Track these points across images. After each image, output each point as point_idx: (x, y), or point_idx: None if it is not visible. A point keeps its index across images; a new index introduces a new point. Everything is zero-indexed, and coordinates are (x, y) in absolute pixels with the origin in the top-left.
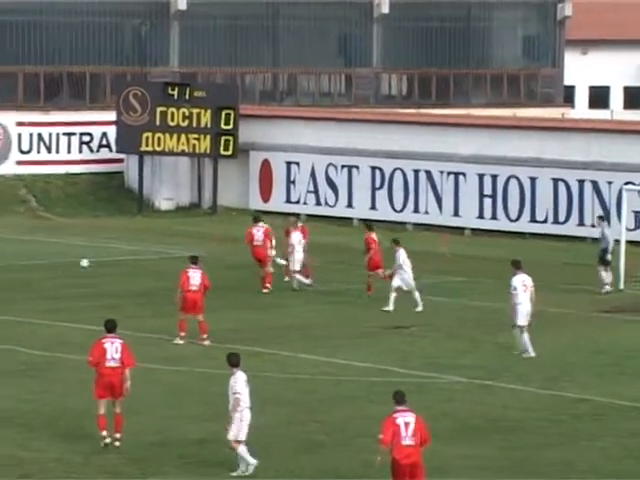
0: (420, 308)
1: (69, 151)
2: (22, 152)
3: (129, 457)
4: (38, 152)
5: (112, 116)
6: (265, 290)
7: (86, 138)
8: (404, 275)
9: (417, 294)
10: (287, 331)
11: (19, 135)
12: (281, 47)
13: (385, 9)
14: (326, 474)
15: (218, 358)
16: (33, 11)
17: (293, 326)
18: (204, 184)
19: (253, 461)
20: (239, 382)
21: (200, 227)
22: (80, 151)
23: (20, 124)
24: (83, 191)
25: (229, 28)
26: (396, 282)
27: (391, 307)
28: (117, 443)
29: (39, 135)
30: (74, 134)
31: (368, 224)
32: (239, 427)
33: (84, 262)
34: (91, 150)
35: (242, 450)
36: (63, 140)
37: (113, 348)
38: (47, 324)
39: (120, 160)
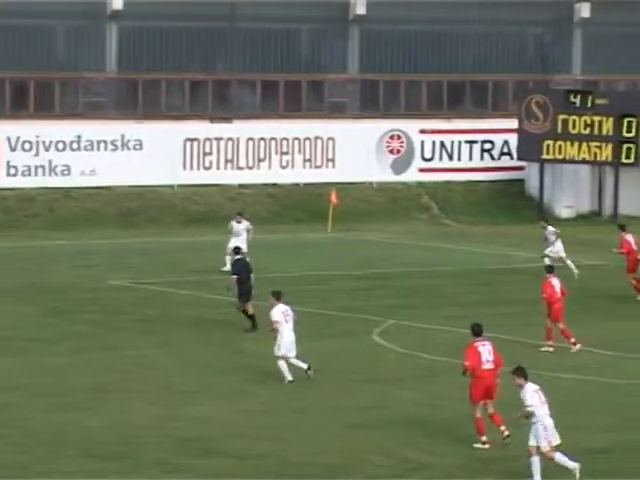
0: None
1: (470, 158)
2: (424, 160)
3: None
4: (440, 160)
5: (513, 124)
6: None
7: (487, 146)
8: None
9: None
10: None
11: (422, 143)
12: None
13: None
14: None
15: (619, 367)
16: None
17: None
18: (605, 192)
19: (573, 465)
20: (528, 394)
21: (600, 235)
22: (481, 159)
23: (422, 132)
24: (483, 198)
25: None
26: None
27: None
28: (507, 433)
29: (441, 143)
30: (476, 142)
31: None
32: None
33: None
34: (492, 158)
35: (559, 457)
36: (465, 148)
37: (486, 351)
38: (447, 330)
39: (521, 168)
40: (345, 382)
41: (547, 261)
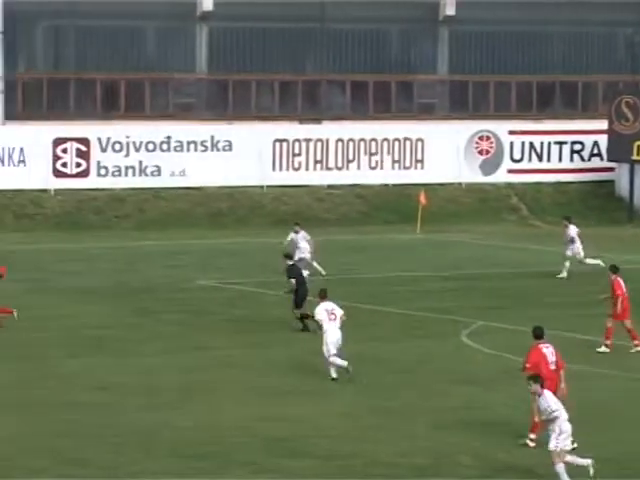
0: None
1: (560, 160)
2: (514, 161)
3: None
4: (529, 161)
5: (603, 125)
6: None
7: (577, 147)
8: None
9: None
10: None
11: (511, 144)
12: None
13: None
14: None
15: None
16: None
17: None
18: None
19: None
20: (550, 400)
21: None
22: (571, 160)
23: (512, 133)
24: (573, 200)
25: None
26: None
27: None
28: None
29: (530, 144)
30: (565, 143)
31: None
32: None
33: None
34: (582, 159)
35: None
36: (554, 149)
37: (549, 353)
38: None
39: (611, 169)
40: (434, 383)
41: (589, 261)
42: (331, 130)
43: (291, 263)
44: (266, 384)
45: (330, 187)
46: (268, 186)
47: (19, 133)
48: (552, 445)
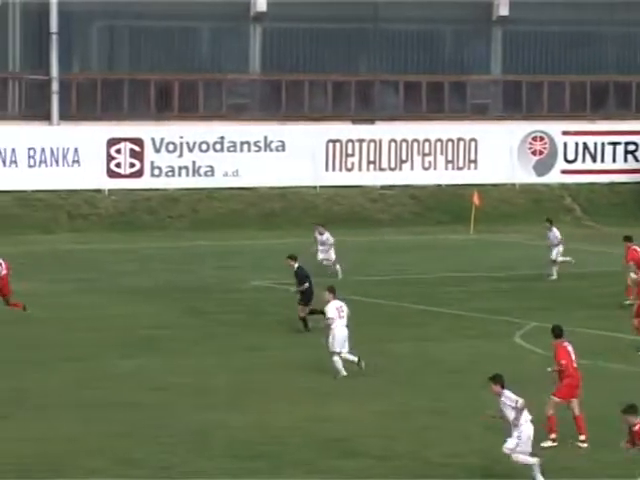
0: None
1: (614, 160)
2: (567, 161)
3: None
4: (583, 161)
5: None
6: None
7: (631, 147)
8: None
9: None
10: None
11: (564, 144)
12: None
13: None
14: None
15: None
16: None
17: None
18: None
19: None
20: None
21: None
22: (625, 160)
23: (565, 133)
24: (627, 200)
25: None
26: None
27: None
28: (584, 445)
29: (584, 144)
30: (619, 143)
31: None
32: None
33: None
34: (636, 159)
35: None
36: (608, 149)
37: (572, 350)
38: (587, 332)
39: None
40: (485, 384)
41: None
42: (384, 130)
43: (297, 266)
44: (319, 384)
45: (383, 188)
46: (321, 187)
47: (73, 133)
48: (510, 446)
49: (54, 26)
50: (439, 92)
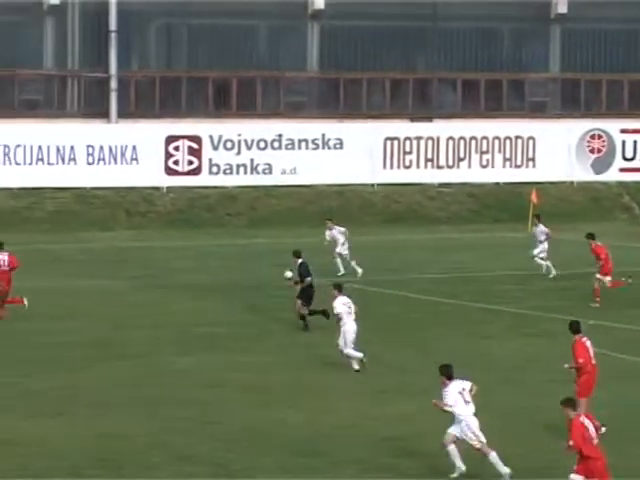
0: None
1: None
2: (626, 159)
3: None
4: None
5: None
6: None
7: None
8: None
9: None
10: None
11: (623, 142)
12: None
13: None
14: None
15: None
16: None
17: None
18: None
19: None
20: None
21: None
22: None
23: (624, 131)
24: None
25: None
26: None
27: None
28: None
29: None
30: None
31: None
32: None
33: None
34: None
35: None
36: None
37: (590, 346)
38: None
39: None
40: (545, 383)
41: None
42: (442, 128)
43: (301, 261)
44: (375, 383)
45: (441, 185)
46: (379, 184)
47: (132, 131)
48: (452, 432)
49: (113, 24)
50: (497, 90)
